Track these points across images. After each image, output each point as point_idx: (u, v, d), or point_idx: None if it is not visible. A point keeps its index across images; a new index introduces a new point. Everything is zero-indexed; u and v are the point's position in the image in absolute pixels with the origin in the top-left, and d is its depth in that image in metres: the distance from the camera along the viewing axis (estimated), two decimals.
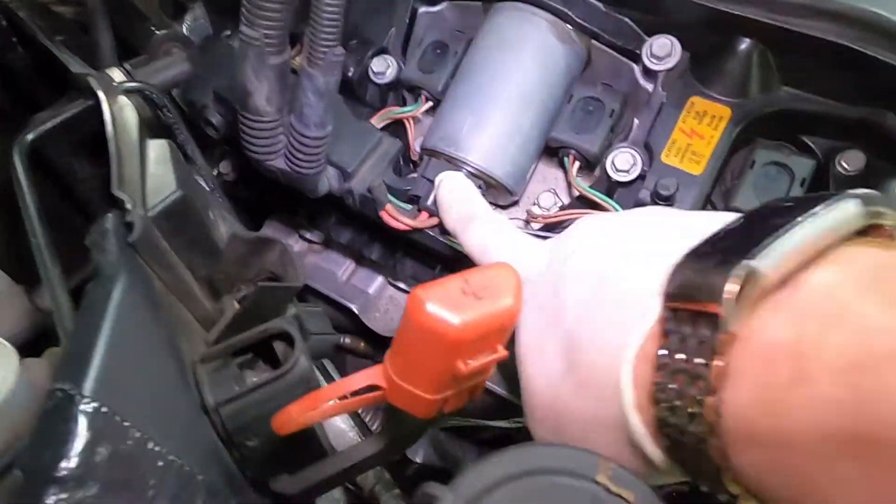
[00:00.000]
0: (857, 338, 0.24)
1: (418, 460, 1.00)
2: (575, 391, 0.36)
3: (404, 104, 0.79)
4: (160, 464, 0.32)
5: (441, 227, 0.69)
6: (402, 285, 0.98)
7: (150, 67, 0.56)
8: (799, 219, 0.28)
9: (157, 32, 0.60)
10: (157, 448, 0.32)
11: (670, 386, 0.28)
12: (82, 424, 0.30)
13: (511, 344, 0.39)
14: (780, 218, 0.28)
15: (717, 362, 0.27)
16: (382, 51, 0.78)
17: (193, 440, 0.36)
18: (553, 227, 0.69)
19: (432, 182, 0.68)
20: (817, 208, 0.29)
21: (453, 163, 0.68)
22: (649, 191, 0.63)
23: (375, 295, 1.01)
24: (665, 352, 0.29)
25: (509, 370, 0.41)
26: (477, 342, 0.29)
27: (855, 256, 0.28)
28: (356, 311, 0.99)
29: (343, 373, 0.94)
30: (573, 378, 0.36)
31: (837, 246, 0.28)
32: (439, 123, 0.70)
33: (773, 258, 0.27)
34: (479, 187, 0.68)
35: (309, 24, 0.52)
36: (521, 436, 0.69)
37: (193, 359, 0.39)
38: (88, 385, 0.31)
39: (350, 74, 0.79)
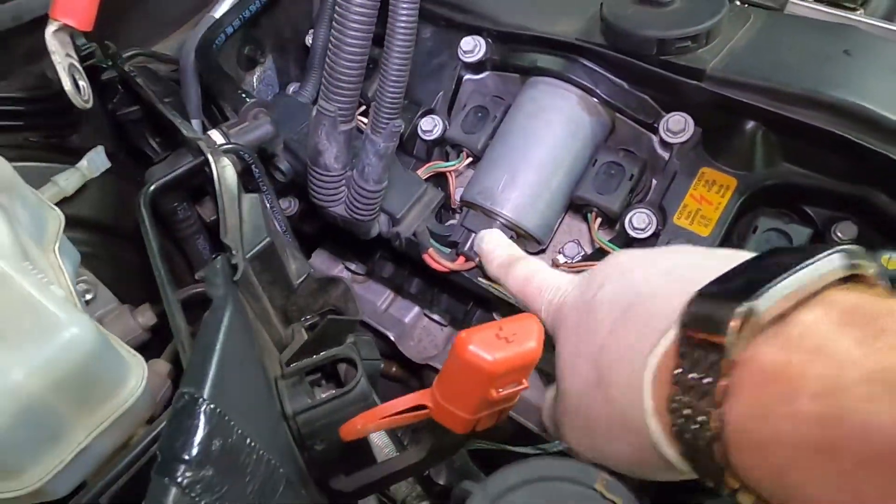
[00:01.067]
0: (833, 367, 0.31)
1: (441, 482, 1.08)
2: (604, 400, 0.43)
3: (447, 159, 0.89)
4: (255, 456, 0.41)
5: (476, 271, 0.79)
6: (436, 317, 1.07)
7: (241, 129, 0.67)
8: (795, 267, 0.34)
9: (248, 100, 0.72)
10: (252, 443, 0.42)
11: (684, 399, 0.35)
12: (202, 420, 0.40)
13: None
14: (780, 264, 0.35)
15: (721, 382, 0.34)
16: (430, 111, 0.89)
17: (276, 440, 0.45)
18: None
19: (470, 231, 0.78)
20: (810, 259, 0.35)
21: (489, 215, 0.77)
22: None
23: (411, 324, 1.10)
24: (679, 370, 0.36)
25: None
26: (506, 375, 0.38)
27: (837, 299, 0.35)
28: (393, 339, 1.08)
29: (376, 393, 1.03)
30: (602, 389, 0.43)
31: (825, 290, 0.35)
32: (478, 179, 0.80)
33: (770, 299, 0.33)
34: (511, 237, 0.78)
35: (375, 98, 0.63)
36: None
37: (275, 374, 0.49)
38: (207, 390, 0.41)
39: (401, 129, 0.90)
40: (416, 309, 1.08)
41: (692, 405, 0.35)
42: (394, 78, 0.60)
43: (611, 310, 0.45)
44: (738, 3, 0.91)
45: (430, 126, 0.87)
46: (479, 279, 0.79)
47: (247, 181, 0.68)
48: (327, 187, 0.71)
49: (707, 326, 0.35)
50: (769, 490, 0.34)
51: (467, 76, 0.89)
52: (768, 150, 0.70)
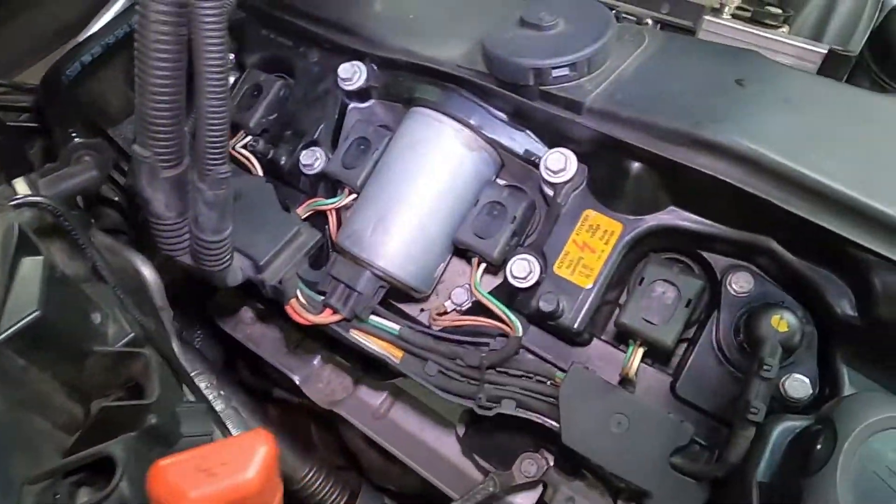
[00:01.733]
0: None
1: None
2: None
3: (335, 194, 0.82)
4: None
5: (345, 325, 0.71)
6: (339, 358, 1.00)
7: (56, 177, 0.60)
8: None
9: (76, 140, 0.65)
10: None
11: None
12: None
13: None
14: None
15: None
16: (314, 143, 0.82)
17: None
18: (454, 331, 0.71)
19: (338, 280, 0.71)
20: None
21: (358, 263, 0.70)
22: (536, 302, 0.63)
23: (319, 366, 1.03)
24: None
25: None
26: None
27: None
28: (297, 382, 1.01)
29: None
30: None
31: None
32: (350, 222, 0.73)
33: None
34: (381, 287, 0.70)
35: (196, 142, 0.56)
36: None
37: (22, 478, 0.42)
38: None
39: (282, 163, 0.83)
40: (323, 351, 1.01)
41: None
42: (210, 118, 0.53)
43: None
44: (649, 22, 0.84)
45: (311, 160, 0.80)
46: (350, 333, 0.72)
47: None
48: (166, 236, 0.64)
49: None
50: None
51: (353, 104, 0.82)
52: (655, 193, 0.63)
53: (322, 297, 0.72)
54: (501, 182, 0.74)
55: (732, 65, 0.64)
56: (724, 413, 0.61)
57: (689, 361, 0.64)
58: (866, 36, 0.82)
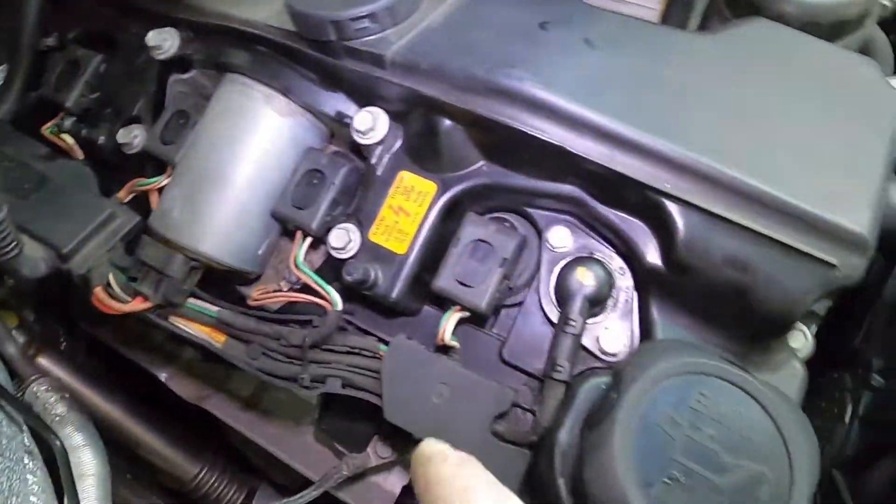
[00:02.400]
0: None
1: None
2: None
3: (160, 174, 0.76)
4: None
5: (160, 312, 0.67)
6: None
7: None
8: None
9: None
10: None
11: None
12: None
13: None
14: None
15: None
16: (134, 120, 0.76)
17: None
18: (289, 309, 0.67)
19: (148, 266, 0.65)
20: None
21: (168, 245, 0.65)
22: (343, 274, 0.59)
23: (188, 360, 0.98)
24: None
25: None
26: None
27: None
28: (163, 380, 0.96)
29: None
30: None
31: None
32: (160, 202, 0.67)
33: None
34: (195, 269, 0.65)
35: None
36: None
37: None
38: None
39: (101, 144, 0.77)
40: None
41: None
42: None
43: None
44: None
45: (129, 138, 0.74)
46: (170, 320, 0.67)
47: None
48: None
49: None
50: None
51: (174, 76, 0.76)
52: (465, 148, 0.59)
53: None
54: (331, 149, 0.70)
55: (542, 9, 0.61)
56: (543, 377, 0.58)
57: (516, 323, 0.61)
58: None
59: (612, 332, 0.56)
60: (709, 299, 0.51)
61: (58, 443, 0.72)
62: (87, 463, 0.77)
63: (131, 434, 1.03)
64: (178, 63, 0.74)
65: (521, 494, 0.54)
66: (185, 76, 0.76)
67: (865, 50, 0.82)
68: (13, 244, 0.60)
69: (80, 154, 0.77)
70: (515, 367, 0.60)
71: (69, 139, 0.77)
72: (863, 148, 0.52)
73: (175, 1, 0.74)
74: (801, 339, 0.59)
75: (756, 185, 0.49)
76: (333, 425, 0.78)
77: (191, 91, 0.76)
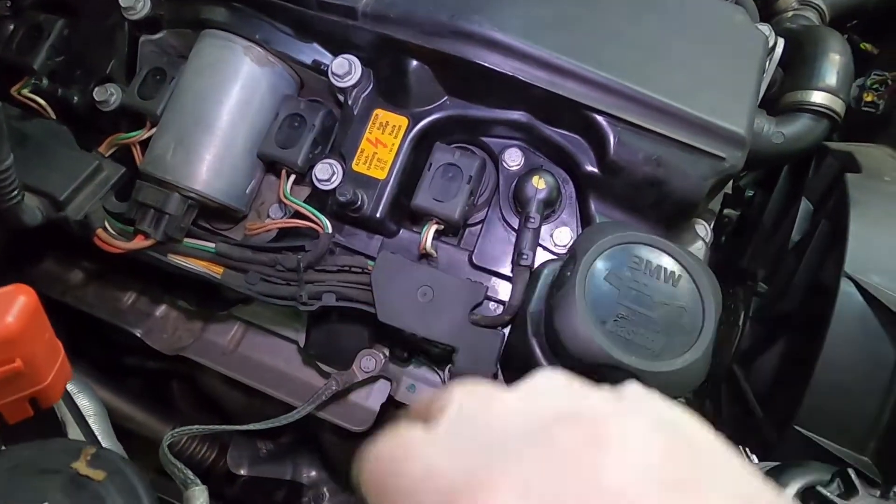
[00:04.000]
0: None
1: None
2: None
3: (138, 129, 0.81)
4: None
5: (160, 248, 0.72)
6: (182, 303, 1.00)
7: None
8: None
9: None
10: None
11: None
12: None
13: None
14: None
15: None
16: (107, 79, 0.80)
17: None
18: (278, 239, 0.75)
19: (146, 205, 0.71)
20: None
21: (164, 185, 0.71)
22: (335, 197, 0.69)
23: (163, 315, 1.02)
24: None
25: None
26: None
27: None
28: (140, 335, 0.99)
29: None
30: None
31: None
32: (150, 148, 0.73)
33: None
34: (190, 205, 0.72)
35: None
36: None
37: None
38: None
39: (76, 103, 0.80)
40: (167, 298, 1.00)
41: None
42: None
43: None
44: None
45: (105, 96, 0.78)
46: (168, 258, 0.73)
47: None
48: None
49: None
50: None
51: (144, 36, 0.81)
52: (431, 85, 0.70)
53: (132, 228, 0.73)
54: (302, 98, 0.78)
55: None
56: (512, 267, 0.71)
57: (481, 234, 0.72)
58: None
59: (562, 230, 0.69)
60: (634, 192, 0.66)
61: None
62: (86, 406, 0.81)
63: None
64: (148, 23, 0.79)
65: (498, 368, 0.67)
66: (155, 37, 0.81)
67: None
68: (17, 191, 0.65)
69: (52, 114, 0.80)
70: (483, 269, 0.72)
71: (40, 99, 0.80)
72: (739, 72, 0.68)
73: None
74: (703, 230, 0.75)
75: (662, 99, 0.63)
76: (319, 349, 0.86)
77: (160, 51, 0.81)
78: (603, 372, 0.55)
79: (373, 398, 0.90)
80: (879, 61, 1.38)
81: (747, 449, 0.88)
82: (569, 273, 0.58)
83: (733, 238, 1.12)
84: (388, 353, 0.84)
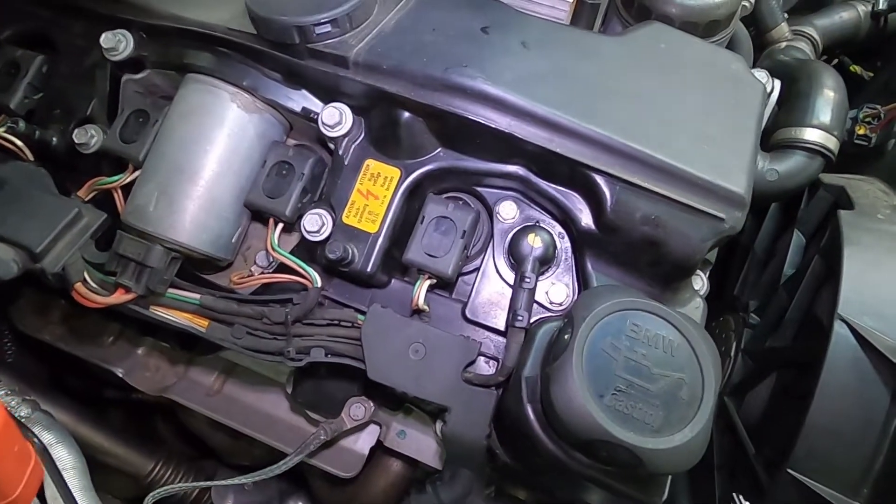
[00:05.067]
0: None
1: None
2: None
3: (119, 172, 0.78)
4: None
5: (140, 301, 0.70)
6: (165, 344, 0.97)
7: None
8: None
9: None
10: None
11: None
12: None
13: None
14: None
15: None
16: (87, 120, 0.77)
17: None
18: (260, 292, 0.72)
19: (127, 258, 0.68)
20: None
21: (145, 237, 0.68)
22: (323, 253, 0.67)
23: (145, 354, 0.99)
24: None
25: None
26: None
27: None
28: (121, 375, 0.97)
29: None
30: None
31: None
32: (132, 197, 0.71)
33: None
34: (175, 258, 0.69)
35: None
36: None
37: None
38: None
39: (55, 144, 0.77)
40: (149, 338, 0.97)
41: None
42: None
43: None
44: None
45: (85, 138, 0.76)
46: (150, 310, 0.71)
47: None
48: None
49: None
50: None
51: (127, 76, 0.78)
52: (424, 137, 0.68)
53: (113, 278, 0.70)
54: (291, 142, 0.76)
55: (479, 15, 0.70)
56: (506, 327, 0.69)
57: (474, 287, 0.71)
58: None
59: (558, 287, 0.68)
60: (631, 252, 0.64)
61: (36, 440, 0.74)
62: (64, 458, 0.78)
63: (82, 438, 1.02)
64: (130, 64, 0.76)
65: (491, 428, 0.65)
66: (138, 76, 0.78)
67: (732, 44, 0.99)
68: None
69: (30, 155, 0.77)
70: (476, 324, 0.70)
71: (17, 140, 0.77)
72: (738, 127, 0.67)
73: (123, 2, 0.76)
74: (700, 282, 0.74)
75: (661, 158, 0.62)
76: (307, 397, 0.84)
77: (143, 90, 0.79)
78: (599, 447, 0.54)
79: (361, 442, 0.89)
80: (871, 87, 1.39)
81: (741, 496, 0.87)
82: (566, 340, 0.56)
83: (724, 261, 1.11)
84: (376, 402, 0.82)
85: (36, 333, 0.98)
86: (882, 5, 1.39)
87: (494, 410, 0.66)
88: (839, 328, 0.70)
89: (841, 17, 1.40)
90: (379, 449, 0.88)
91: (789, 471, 0.73)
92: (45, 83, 0.79)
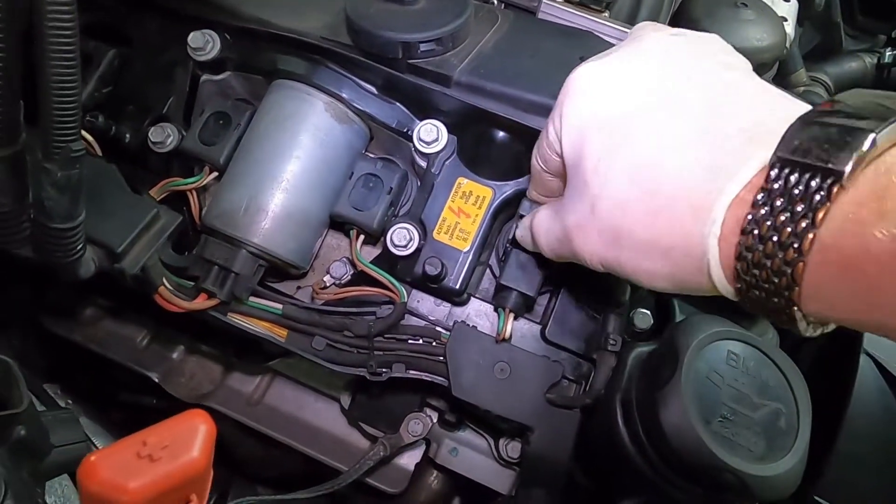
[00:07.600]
0: None
1: None
2: (644, 216, 0.43)
3: (192, 173, 0.77)
4: None
5: (223, 308, 0.68)
6: (205, 347, 0.94)
7: None
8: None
9: None
10: None
11: (767, 221, 0.35)
12: None
13: None
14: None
15: (826, 204, 0.33)
16: (162, 118, 0.76)
17: None
18: (338, 304, 0.71)
19: (211, 262, 0.67)
20: None
21: (232, 242, 0.67)
22: (421, 268, 0.67)
23: (179, 360, 0.96)
24: (763, 196, 0.36)
25: None
26: (160, 499, 0.30)
27: None
28: (157, 380, 0.93)
29: None
30: (645, 205, 0.43)
31: None
32: (217, 200, 0.69)
33: (888, 134, 0.34)
34: (260, 265, 0.68)
35: (41, 115, 0.49)
36: None
37: None
38: None
39: (127, 141, 0.75)
40: (184, 341, 0.94)
41: (776, 225, 0.35)
42: (58, 85, 0.47)
43: (664, 116, 0.44)
44: (494, 1, 0.90)
45: (162, 137, 0.74)
46: (229, 317, 0.69)
47: None
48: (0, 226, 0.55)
49: (822, 154, 0.34)
50: (847, 308, 0.35)
51: (206, 76, 0.76)
52: (518, 158, 0.69)
53: (193, 283, 0.68)
54: (372, 155, 0.76)
55: (575, 43, 0.72)
56: (586, 350, 0.70)
57: (554, 309, 0.72)
58: (668, 17, 0.97)
59: (641, 313, 0.69)
60: None
61: None
62: None
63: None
64: (212, 64, 0.75)
65: (575, 449, 0.66)
66: (217, 77, 0.77)
67: None
68: (82, 246, 0.59)
69: (98, 150, 0.74)
70: (556, 345, 0.71)
71: (88, 136, 0.74)
72: None
73: (211, 3, 0.75)
74: None
75: None
76: (364, 411, 0.83)
77: (220, 92, 0.77)
78: (705, 472, 0.55)
79: (407, 457, 0.88)
80: None
81: None
82: (671, 366, 0.58)
83: None
84: (435, 419, 0.82)
85: (66, 334, 0.94)
86: (887, 59, 1.48)
87: (578, 431, 0.67)
88: (864, 360, 0.74)
89: (850, 67, 1.49)
90: (426, 464, 0.87)
91: (817, 498, 0.76)
92: (116, 78, 0.77)
